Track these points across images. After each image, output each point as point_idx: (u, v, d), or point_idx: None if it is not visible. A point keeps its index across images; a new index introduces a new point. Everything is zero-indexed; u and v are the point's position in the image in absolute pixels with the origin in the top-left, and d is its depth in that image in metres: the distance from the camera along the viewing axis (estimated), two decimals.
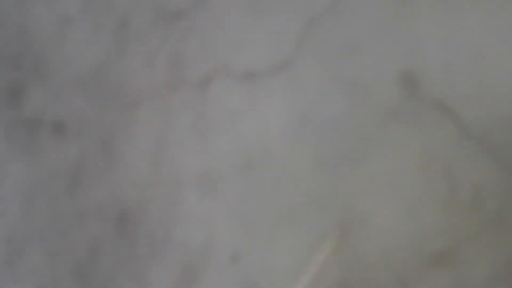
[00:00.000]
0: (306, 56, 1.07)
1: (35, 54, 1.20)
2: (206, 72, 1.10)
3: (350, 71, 1.05)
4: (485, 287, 0.85)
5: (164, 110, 1.11)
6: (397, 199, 0.92)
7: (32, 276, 1.14)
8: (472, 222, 0.87)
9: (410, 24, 1.05)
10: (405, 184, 0.92)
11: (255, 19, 1.12)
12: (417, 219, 0.90)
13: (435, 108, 0.99)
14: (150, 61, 1.13)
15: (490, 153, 0.95)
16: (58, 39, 1.19)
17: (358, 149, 0.97)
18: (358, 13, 1.07)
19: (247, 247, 1.00)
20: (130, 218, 1.08)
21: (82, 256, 1.11)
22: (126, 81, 1.14)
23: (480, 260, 0.85)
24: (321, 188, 0.96)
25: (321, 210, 0.96)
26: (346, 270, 0.94)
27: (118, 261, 1.08)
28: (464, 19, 1.02)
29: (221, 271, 0.99)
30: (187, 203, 1.04)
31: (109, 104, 1.14)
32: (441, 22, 1.03)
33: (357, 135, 0.98)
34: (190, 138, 1.07)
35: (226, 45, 1.11)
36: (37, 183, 1.16)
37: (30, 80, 1.20)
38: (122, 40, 1.15)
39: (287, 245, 0.97)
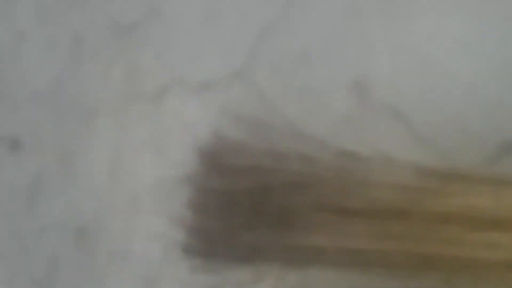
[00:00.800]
0: (260, 65, 1.05)
1: None
2: (161, 84, 1.07)
3: (302, 79, 1.05)
4: None
5: (120, 123, 1.08)
6: None
7: None
8: None
9: (360, 33, 1.05)
10: None
11: (208, 30, 1.10)
12: None
13: (385, 113, 0.99)
14: (105, 75, 1.10)
15: (439, 155, 0.95)
16: (13, 55, 1.16)
17: None
18: (309, 22, 1.06)
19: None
20: (89, 231, 1.05)
21: (42, 271, 1.08)
22: (82, 95, 1.11)
23: None
24: None
25: None
26: None
27: (78, 275, 1.05)
28: (412, 26, 1.02)
29: (180, 284, 0.98)
30: (144, 215, 1.02)
31: (65, 118, 1.12)
32: (389, 30, 1.03)
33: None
34: (146, 150, 1.05)
35: (180, 57, 1.09)
36: None
37: None
38: (77, 55, 1.13)
39: None
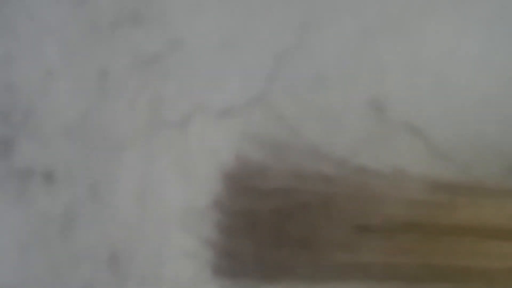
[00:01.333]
0: (278, 90, 1.05)
1: (22, 108, 1.19)
2: (185, 111, 1.08)
3: (320, 101, 1.05)
4: None
5: (147, 152, 1.09)
6: None
7: None
8: None
9: (374, 53, 1.05)
10: None
11: (227, 58, 1.10)
12: None
13: (404, 131, 0.98)
14: (131, 106, 1.11)
15: (459, 170, 0.95)
16: (43, 92, 1.18)
17: None
18: (324, 46, 1.06)
19: None
20: (121, 258, 1.06)
21: None
22: (109, 127, 1.12)
23: None
24: None
25: None
26: None
27: None
28: (424, 43, 1.01)
29: None
30: (174, 239, 1.03)
31: (95, 150, 1.13)
32: (402, 48, 1.03)
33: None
34: (173, 177, 1.06)
35: (201, 85, 1.09)
36: (31, 231, 1.14)
37: (19, 133, 1.18)
38: (103, 88, 1.14)
39: None
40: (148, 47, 1.15)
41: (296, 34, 1.07)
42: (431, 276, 0.80)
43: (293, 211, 0.89)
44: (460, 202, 0.79)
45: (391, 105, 0.98)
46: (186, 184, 1.05)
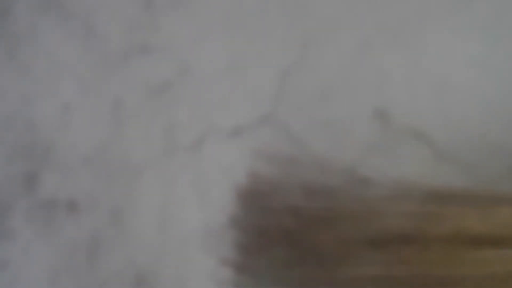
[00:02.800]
0: (284, 106, 1.05)
1: (43, 142, 1.19)
2: (197, 134, 1.08)
3: (326, 114, 1.04)
4: None
5: (164, 175, 1.08)
6: None
7: None
8: None
9: (376, 63, 1.03)
10: None
11: (234, 80, 1.09)
12: None
13: (408, 136, 0.97)
14: (146, 133, 1.11)
15: (465, 173, 0.93)
16: (62, 125, 1.18)
17: None
18: (326, 60, 1.05)
19: None
20: (146, 279, 1.05)
21: None
22: (127, 154, 1.12)
23: None
24: None
25: None
26: None
27: None
28: (424, 51, 1.00)
29: None
30: (195, 258, 1.02)
31: (114, 177, 1.13)
32: (403, 57, 1.01)
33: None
34: (190, 197, 1.06)
35: (212, 107, 1.09)
36: (59, 259, 1.14)
37: (42, 166, 1.19)
38: (119, 118, 1.14)
39: None
40: (158, 75, 1.15)
41: (298, 52, 1.06)
42: (433, 285, 0.78)
43: (303, 228, 0.88)
44: (460, 211, 0.78)
45: (395, 113, 0.97)
46: (203, 204, 1.04)
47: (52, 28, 1.24)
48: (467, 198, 0.81)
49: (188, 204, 1.05)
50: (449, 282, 0.79)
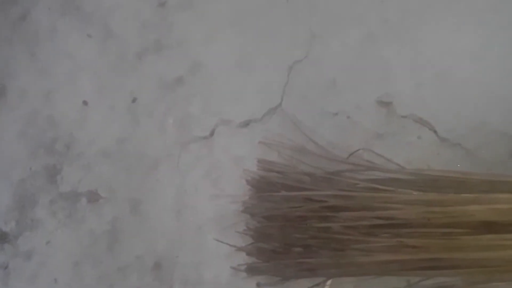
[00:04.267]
0: (292, 98, 1.05)
1: (64, 138, 1.18)
2: (210, 126, 1.08)
3: (333, 105, 1.03)
4: None
5: (179, 166, 1.08)
6: None
7: None
8: None
9: (379, 56, 1.02)
10: None
11: (244, 75, 1.09)
12: None
13: (413, 125, 0.97)
14: (161, 126, 1.11)
15: (466, 158, 0.93)
16: (81, 122, 1.17)
17: None
18: (332, 55, 1.04)
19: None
20: (164, 265, 1.05)
21: None
22: (143, 147, 1.11)
23: None
24: None
25: None
26: None
27: None
28: (425, 43, 1.00)
29: None
30: (210, 244, 1.02)
31: (132, 169, 1.12)
32: (405, 49, 1.01)
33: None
34: (204, 187, 1.05)
35: (223, 101, 1.10)
36: (81, 248, 1.13)
37: (63, 161, 1.18)
38: (135, 113, 1.13)
39: None
40: (171, 72, 1.15)
41: (305, 47, 1.06)
42: (438, 269, 0.80)
43: (312, 214, 0.89)
44: (461, 198, 0.78)
45: (399, 102, 0.97)
46: (217, 192, 1.04)
47: (71, 29, 1.25)
48: (469, 184, 0.81)
49: (202, 193, 1.05)
50: (452, 266, 0.79)
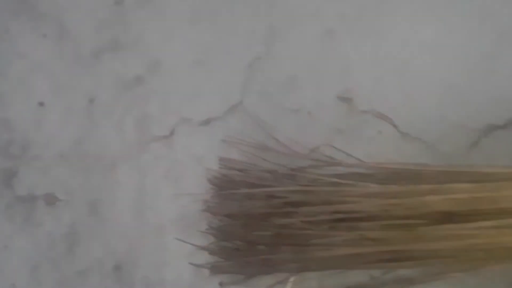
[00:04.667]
0: (253, 96, 1.03)
1: (20, 140, 1.13)
2: (170, 125, 1.05)
3: (294, 101, 1.01)
4: None
5: (139, 167, 1.05)
6: None
7: None
8: None
9: (338, 52, 1.01)
10: None
11: (203, 73, 1.06)
12: None
13: (373, 119, 0.96)
14: (119, 127, 1.07)
15: (426, 152, 0.92)
16: (37, 123, 1.13)
17: None
18: (291, 51, 1.03)
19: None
20: (125, 267, 1.02)
21: None
22: (102, 149, 1.08)
23: None
24: None
25: None
26: None
27: None
28: (383, 37, 0.99)
29: None
30: (171, 245, 1.00)
31: (91, 171, 1.08)
32: (364, 44, 0.99)
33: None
34: (165, 186, 1.02)
35: (183, 99, 1.06)
36: (39, 252, 1.09)
37: (19, 163, 1.13)
38: (92, 113, 1.10)
39: None
40: (129, 71, 1.11)
41: (264, 43, 1.03)
42: (398, 261, 0.79)
43: (274, 210, 0.87)
44: (420, 189, 0.78)
45: (360, 97, 0.96)
46: (177, 192, 1.01)
47: (25, 29, 1.21)
48: (427, 175, 0.81)
49: (163, 193, 1.02)
50: (412, 258, 0.79)
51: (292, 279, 0.89)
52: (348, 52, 0.98)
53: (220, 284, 0.95)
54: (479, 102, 0.89)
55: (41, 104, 1.19)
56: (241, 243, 0.92)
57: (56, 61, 1.20)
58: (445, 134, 0.90)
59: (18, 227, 1.12)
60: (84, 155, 1.13)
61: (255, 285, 0.92)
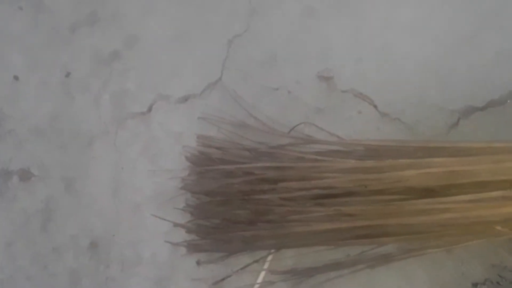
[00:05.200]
0: (232, 73, 1.01)
1: None
2: (147, 102, 1.03)
3: (273, 80, 1.00)
4: None
5: (116, 143, 1.03)
6: None
7: None
8: None
9: (319, 31, 1.00)
10: None
11: (182, 49, 1.04)
12: None
13: (353, 99, 0.95)
14: (96, 102, 1.04)
15: (406, 129, 0.92)
16: (12, 98, 1.10)
17: None
18: (271, 29, 1.01)
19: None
20: (101, 245, 0.99)
21: (65, 285, 1.03)
22: (78, 124, 1.05)
23: None
24: None
25: None
26: None
27: (97, 285, 1.00)
28: (364, 17, 0.97)
29: (189, 278, 0.95)
30: (148, 222, 0.98)
31: (67, 146, 1.05)
32: (345, 24, 0.98)
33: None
34: (142, 163, 1.00)
35: (161, 75, 1.04)
36: (14, 228, 1.06)
37: None
38: (69, 89, 1.07)
39: None
40: (106, 45, 1.08)
41: (245, 21, 1.01)
42: (376, 237, 0.79)
43: (252, 187, 0.86)
44: (397, 164, 0.77)
45: (340, 77, 0.94)
46: (155, 169, 0.99)
47: (0, 1, 1.18)
48: (405, 151, 0.80)
49: (140, 170, 1.00)
50: (389, 233, 0.78)
51: (269, 258, 0.88)
52: (329, 31, 0.96)
53: (197, 262, 0.93)
54: (459, 84, 0.87)
55: (16, 78, 1.16)
56: (218, 221, 0.90)
57: (32, 35, 1.19)
58: (425, 116, 0.88)
59: None
60: (60, 131, 1.11)
61: (232, 263, 0.90)
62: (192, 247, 0.94)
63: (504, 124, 0.84)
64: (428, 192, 0.76)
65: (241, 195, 0.88)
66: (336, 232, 0.80)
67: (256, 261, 0.89)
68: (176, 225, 0.94)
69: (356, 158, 0.82)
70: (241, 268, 0.90)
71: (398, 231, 0.78)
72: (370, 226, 0.78)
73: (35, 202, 1.07)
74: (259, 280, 0.89)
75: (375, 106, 0.91)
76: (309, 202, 0.82)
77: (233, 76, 1.00)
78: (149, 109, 1.03)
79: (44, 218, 1.06)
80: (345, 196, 0.80)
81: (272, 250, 0.89)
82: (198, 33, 1.04)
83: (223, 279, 0.90)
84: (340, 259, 0.85)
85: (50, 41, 1.12)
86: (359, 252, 0.83)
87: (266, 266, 0.89)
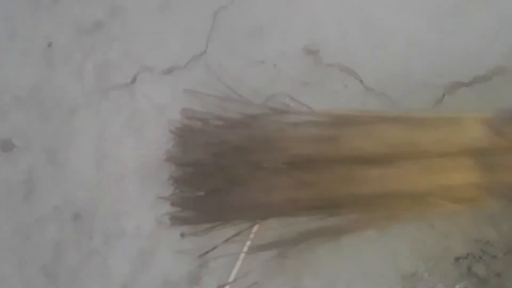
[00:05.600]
0: (217, 46, 1.00)
1: None
2: (131, 73, 1.01)
3: (259, 52, 0.99)
4: None
5: (99, 115, 1.01)
6: None
7: (5, 285, 1.07)
8: None
9: (305, 3, 0.99)
10: None
11: (167, 20, 1.02)
12: None
13: (338, 73, 0.94)
14: (79, 73, 1.02)
15: (391, 104, 0.92)
16: None
17: None
18: (257, 2, 1.00)
19: None
20: (84, 216, 0.98)
21: (48, 257, 1.02)
22: (60, 94, 1.03)
23: None
24: None
25: None
26: None
27: (80, 257, 1.00)
28: None
29: (173, 251, 0.95)
30: (132, 194, 0.97)
31: (49, 118, 1.03)
32: None
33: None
34: (126, 135, 0.99)
35: (145, 47, 1.02)
36: None
37: None
38: (51, 59, 1.05)
39: None
40: (89, 15, 1.06)
41: None
42: (334, 206, 0.80)
43: (227, 157, 0.87)
44: (354, 133, 0.80)
45: (326, 50, 0.92)
46: (138, 142, 0.98)
47: None
48: (365, 120, 0.82)
49: (123, 142, 0.98)
50: (347, 201, 0.80)
51: (255, 229, 0.88)
52: (316, 5, 0.95)
53: (181, 234, 0.92)
54: (445, 59, 0.87)
55: None
56: (202, 192, 0.90)
57: (13, 3, 1.16)
58: (410, 90, 0.87)
59: None
60: (42, 101, 1.08)
61: (216, 236, 0.89)
62: (176, 220, 0.93)
63: (489, 100, 0.83)
64: (378, 159, 0.78)
65: (219, 166, 0.88)
66: (294, 201, 0.82)
67: (237, 234, 0.88)
68: (160, 197, 0.93)
69: (325, 128, 0.83)
70: (224, 241, 0.88)
71: (359, 201, 0.79)
72: (325, 197, 0.80)
73: (17, 173, 1.05)
74: (244, 250, 0.89)
75: (360, 81, 0.90)
76: (273, 172, 0.83)
77: (218, 48, 0.98)
78: (133, 80, 1.01)
79: (26, 189, 1.04)
80: (305, 164, 0.81)
81: (258, 221, 0.89)
82: (183, 4, 1.02)
83: (207, 252, 0.89)
84: (312, 228, 0.84)
85: (32, 10, 1.10)
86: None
87: (252, 236, 0.89)
